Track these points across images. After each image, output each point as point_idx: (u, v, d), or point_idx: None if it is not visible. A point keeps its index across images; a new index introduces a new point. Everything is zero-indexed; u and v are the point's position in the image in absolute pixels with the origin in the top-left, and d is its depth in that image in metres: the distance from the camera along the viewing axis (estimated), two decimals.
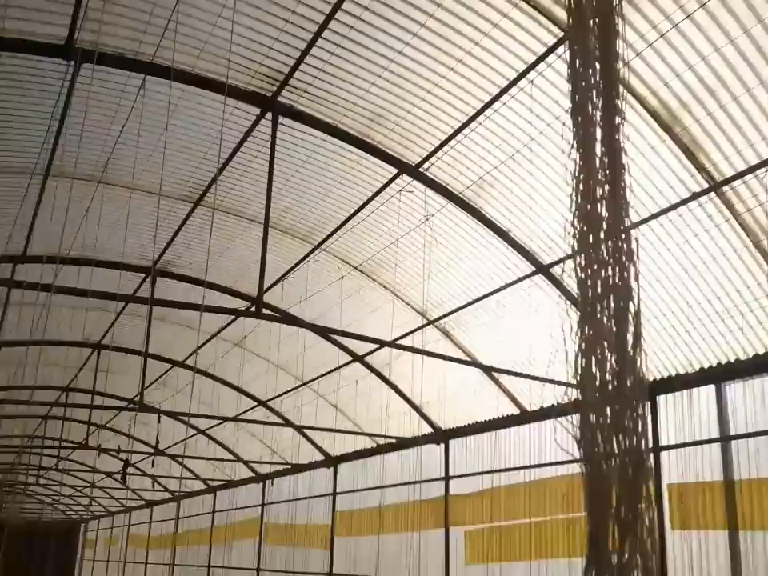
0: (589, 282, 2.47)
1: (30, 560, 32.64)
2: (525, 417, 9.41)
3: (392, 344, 8.51)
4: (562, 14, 4.93)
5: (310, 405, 13.69)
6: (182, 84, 6.42)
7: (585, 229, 2.52)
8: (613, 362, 2.35)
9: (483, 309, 8.88)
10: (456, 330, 9.56)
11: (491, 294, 8.44)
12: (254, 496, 18.23)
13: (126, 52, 6.16)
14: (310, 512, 15.41)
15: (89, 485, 25.10)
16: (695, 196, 5.68)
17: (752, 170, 5.28)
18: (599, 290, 2.42)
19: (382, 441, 12.53)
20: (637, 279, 2.36)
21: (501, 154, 6.62)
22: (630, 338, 2.34)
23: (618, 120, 2.45)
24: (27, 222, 8.22)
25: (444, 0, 5.31)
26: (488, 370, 9.28)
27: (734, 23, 4.61)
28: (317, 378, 12.55)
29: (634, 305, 2.37)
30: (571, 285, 7.62)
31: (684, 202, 5.86)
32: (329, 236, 8.91)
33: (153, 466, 17.93)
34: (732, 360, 6.83)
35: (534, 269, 7.73)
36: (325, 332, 10.25)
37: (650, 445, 2.24)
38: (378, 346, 10.58)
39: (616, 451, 2.14)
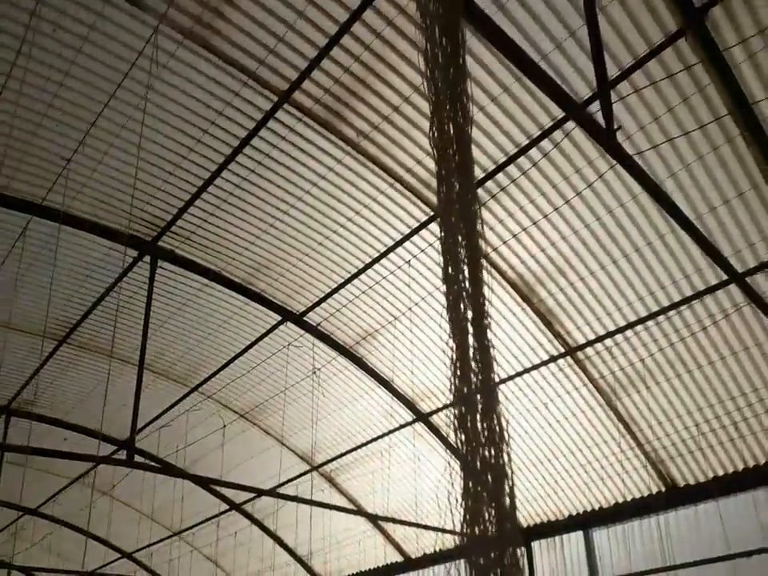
0: (469, 457, 2.52)
1: None
2: (409, 564, 9.04)
3: (273, 493, 8.03)
4: (432, 196, 5.36)
5: (185, 557, 12.52)
6: (65, 226, 6.22)
7: (463, 410, 2.58)
8: (491, 511, 2.37)
9: (367, 455, 8.71)
10: (341, 476, 9.25)
11: (375, 440, 8.34)
12: None
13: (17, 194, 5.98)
14: None
15: None
16: (553, 359, 6.15)
17: (599, 339, 5.81)
18: (477, 464, 2.46)
19: None
20: (508, 445, 2.42)
21: (382, 311, 6.81)
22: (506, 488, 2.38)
23: (483, 290, 2.59)
24: None
25: (328, 173, 5.61)
26: (373, 519, 8.92)
27: (575, 219, 5.19)
28: (191, 527, 11.56)
29: (509, 472, 2.41)
30: (449, 433, 7.64)
31: (544, 363, 6.30)
32: (207, 379, 8.60)
33: None
34: (596, 508, 7.13)
35: (414, 416, 7.75)
36: (202, 481, 9.57)
37: None
38: (256, 494, 10.02)
39: None
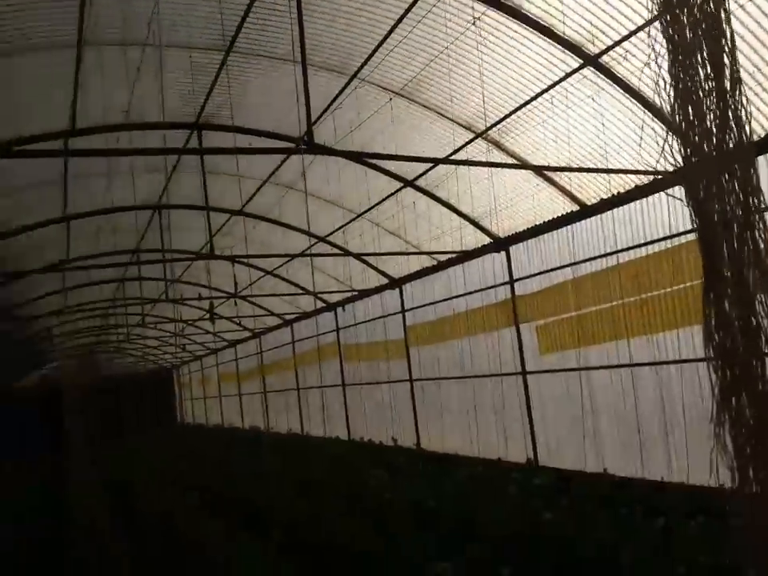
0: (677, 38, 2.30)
1: (137, 402, 36.57)
2: (586, 211, 9.55)
3: (444, 160, 8.65)
4: None
5: (368, 234, 14.21)
6: None
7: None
8: (712, 116, 2.26)
9: (533, 112, 8.75)
10: (506, 138, 9.50)
11: (541, 93, 8.26)
12: (328, 324, 19.63)
13: None
14: (384, 331, 16.63)
15: (172, 335, 27.31)
16: None
17: None
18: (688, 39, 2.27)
19: (443, 258, 13.10)
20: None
21: None
22: (727, 85, 2.25)
23: None
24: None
25: None
26: (541, 170, 9.35)
27: None
28: (371, 207, 12.87)
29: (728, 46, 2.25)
30: (622, 73, 7.40)
31: None
32: (365, 62, 8.67)
33: (236, 305, 19.28)
34: None
35: (581, 62, 7.49)
36: (375, 158, 10.35)
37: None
38: (428, 167, 10.72)
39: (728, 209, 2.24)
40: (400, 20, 7.68)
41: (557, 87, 8.06)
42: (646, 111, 7.44)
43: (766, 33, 6.15)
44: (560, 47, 7.43)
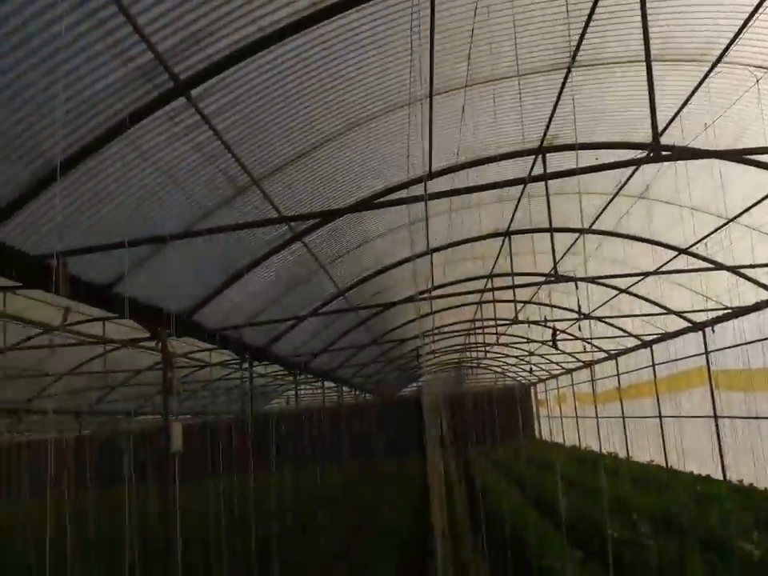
0: None
1: (500, 414, 37.97)
2: None
3: None
4: None
5: (741, 241, 12.22)
6: None
7: None
8: None
9: None
10: None
11: None
12: (691, 346, 17.53)
13: None
14: (764, 356, 14.12)
15: (527, 353, 27.69)
16: None
17: None
18: None
19: None
20: None
21: None
22: None
23: None
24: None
25: None
26: None
27: None
28: (745, 210, 11.04)
29: None
30: None
31: None
32: (730, 44, 7.46)
33: (580, 329, 18.71)
34: None
35: None
36: (751, 154, 8.81)
37: None
38: None
39: None
40: None
41: None
42: None
43: None
44: None
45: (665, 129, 9.16)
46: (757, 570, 7.84)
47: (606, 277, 13.20)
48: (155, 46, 5.01)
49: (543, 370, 32.24)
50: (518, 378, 39.86)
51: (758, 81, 8.09)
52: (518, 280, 15.85)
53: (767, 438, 14.22)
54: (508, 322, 19.19)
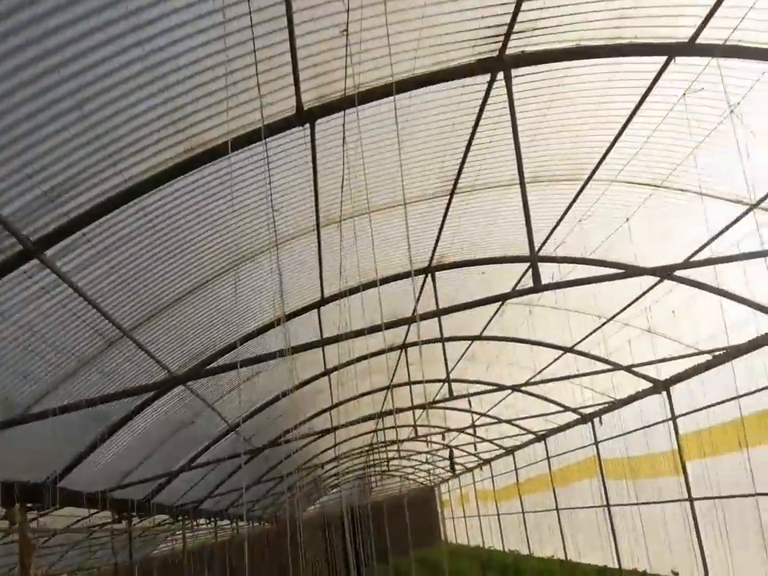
0: None
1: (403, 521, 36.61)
2: None
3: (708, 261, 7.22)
4: None
5: (618, 337, 12.75)
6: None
7: None
8: None
9: None
10: None
11: None
12: (581, 438, 17.85)
13: None
14: (648, 442, 14.54)
15: (429, 454, 27.10)
16: None
17: None
18: None
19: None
20: None
21: None
22: None
23: None
24: None
25: None
26: None
27: None
28: (623, 309, 11.53)
29: None
30: None
31: None
32: (599, 164, 7.81)
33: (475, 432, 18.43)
34: None
35: None
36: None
37: None
38: (691, 255, 9.24)
39: None
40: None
41: None
42: None
43: None
44: None
45: (540, 248, 9.46)
46: None
47: (483, 393, 13.13)
48: None
49: (444, 469, 31.70)
50: (420, 481, 38.95)
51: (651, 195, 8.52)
52: (416, 388, 15.61)
53: (654, 522, 14.39)
54: (407, 439, 18.71)
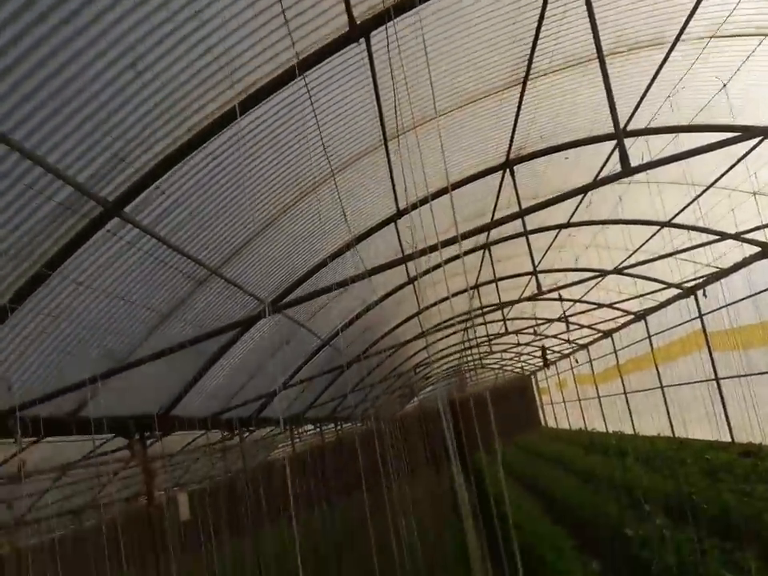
0: None
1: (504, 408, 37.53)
2: None
3: None
4: None
5: (721, 205, 11.86)
6: None
7: None
8: None
9: None
10: None
11: None
12: (687, 311, 17.17)
13: None
14: (758, 308, 13.78)
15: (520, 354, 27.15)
16: None
17: None
18: None
19: None
20: None
21: None
22: None
23: None
24: None
25: None
26: None
27: None
28: (724, 173, 10.64)
29: None
30: None
31: None
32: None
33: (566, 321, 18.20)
34: None
35: None
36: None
37: None
38: None
39: None
40: None
41: None
42: None
43: None
44: None
45: (629, 119, 8.70)
46: None
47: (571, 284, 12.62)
48: (74, 178, 4.30)
49: (539, 358, 31.78)
50: (516, 371, 39.44)
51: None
52: (502, 284, 15.41)
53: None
54: (500, 334, 18.68)
